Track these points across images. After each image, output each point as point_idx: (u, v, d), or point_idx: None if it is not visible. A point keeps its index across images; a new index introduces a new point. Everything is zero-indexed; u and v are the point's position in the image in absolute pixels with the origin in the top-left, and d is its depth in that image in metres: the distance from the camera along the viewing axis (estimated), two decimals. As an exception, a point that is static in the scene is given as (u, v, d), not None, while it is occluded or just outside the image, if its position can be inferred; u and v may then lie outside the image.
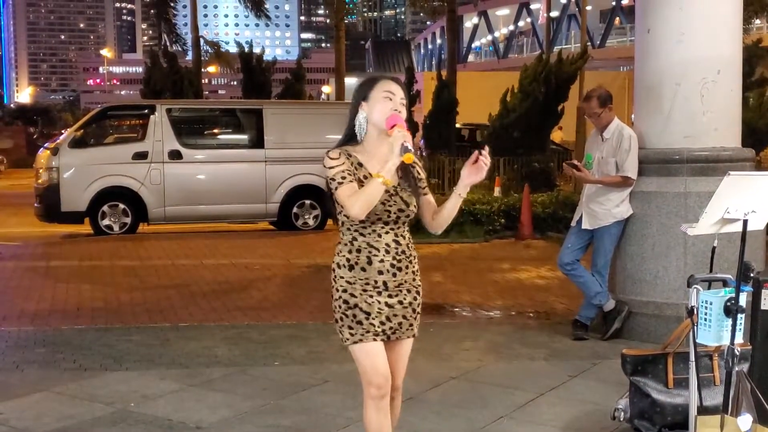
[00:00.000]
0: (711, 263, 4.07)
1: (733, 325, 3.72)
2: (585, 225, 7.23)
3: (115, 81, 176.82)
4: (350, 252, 3.79)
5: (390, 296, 3.79)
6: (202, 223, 16.02)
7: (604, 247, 7.24)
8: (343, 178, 3.68)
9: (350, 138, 3.84)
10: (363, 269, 3.76)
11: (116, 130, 17.38)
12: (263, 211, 15.87)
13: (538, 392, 5.86)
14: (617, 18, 59.52)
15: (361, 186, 3.68)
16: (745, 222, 3.73)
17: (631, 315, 7.23)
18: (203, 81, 36.75)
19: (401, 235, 3.83)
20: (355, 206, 3.62)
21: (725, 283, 3.92)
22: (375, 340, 3.77)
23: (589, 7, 39.17)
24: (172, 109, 15.94)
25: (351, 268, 3.78)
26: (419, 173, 3.92)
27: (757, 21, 44.75)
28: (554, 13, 56.49)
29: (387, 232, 3.79)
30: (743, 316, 3.76)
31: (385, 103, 3.74)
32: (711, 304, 3.77)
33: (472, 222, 14.13)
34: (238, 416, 5.40)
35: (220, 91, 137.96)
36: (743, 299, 3.74)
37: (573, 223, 7.42)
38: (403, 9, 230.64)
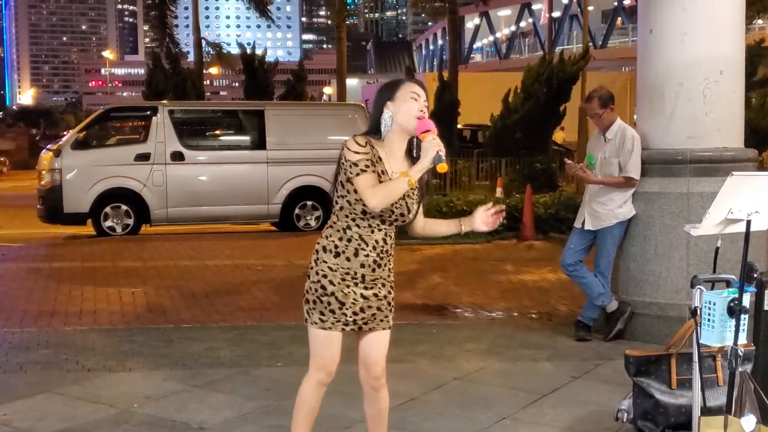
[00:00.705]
0: (714, 264, 4.07)
1: (737, 326, 3.71)
2: (588, 226, 7.23)
3: (117, 83, 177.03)
4: (340, 239, 3.88)
5: (366, 288, 3.90)
6: (205, 224, 16.04)
7: (607, 248, 7.23)
8: (367, 166, 3.76)
9: (372, 133, 3.90)
10: (348, 259, 3.87)
11: (119, 132, 17.42)
12: (265, 213, 15.88)
13: (541, 393, 5.86)
14: (619, 18, 59.50)
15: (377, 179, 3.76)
16: (749, 222, 3.73)
17: (633, 316, 7.22)
18: (205, 82, 36.81)
19: (389, 235, 3.94)
20: (376, 197, 3.71)
21: (728, 283, 3.92)
22: (343, 329, 3.90)
23: (590, 8, 39.17)
24: (174, 111, 15.96)
25: (337, 255, 3.88)
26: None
27: (760, 21, 44.78)
28: (556, 14, 56.57)
29: (380, 230, 3.89)
30: (746, 316, 3.75)
31: (411, 104, 3.84)
32: (714, 304, 3.76)
33: (474, 223, 14.10)
34: (241, 417, 5.40)
35: (221, 93, 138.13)
36: (746, 300, 3.73)
37: (576, 224, 7.41)
38: (404, 10, 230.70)
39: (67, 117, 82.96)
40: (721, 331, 3.77)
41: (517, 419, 5.38)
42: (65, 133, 20.68)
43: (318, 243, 3.95)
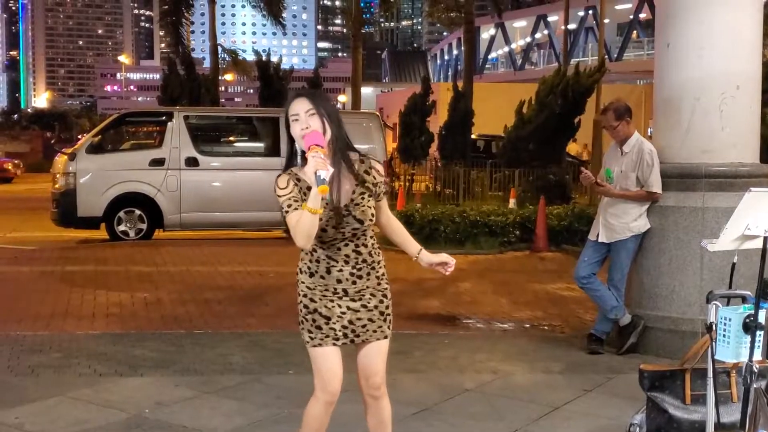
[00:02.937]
0: (730, 279, 4.05)
1: (752, 342, 3.70)
2: (602, 238, 7.21)
3: (132, 87, 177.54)
4: (311, 261, 3.88)
5: (353, 300, 3.86)
6: (217, 230, 16.07)
7: (621, 261, 7.21)
8: (289, 206, 3.72)
9: (292, 162, 3.81)
10: (322, 277, 3.85)
11: (133, 137, 17.48)
12: (278, 219, 15.84)
13: (553, 406, 5.84)
14: (634, 31, 59.40)
15: None
16: (766, 239, 3.71)
17: (646, 329, 7.19)
18: (220, 89, 36.92)
19: (363, 245, 3.86)
20: (297, 238, 3.65)
21: (744, 299, 3.90)
22: (335, 344, 3.87)
23: (606, 20, 39.11)
24: (189, 116, 16.01)
25: (311, 275, 3.88)
26: (376, 178, 3.86)
27: (776, 36, 44.60)
28: (571, 26, 56.49)
29: (346, 245, 3.83)
30: (762, 332, 3.74)
31: (294, 126, 3.72)
32: (730, 320, 3.75)
33: (487, 233, 14.10)
34: (253, 424, 5.40)
35: (236, 99, 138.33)
36: (762, 316, 3.71)
37: (591, 237, 7.39)
38: (420, 19, 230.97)
39: (82, 121, 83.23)
40: (736, 347, 3.75)
41: (530, 431, 5.37)
42: (80, 136, 20.78)
43: (298, 265, 3.93)
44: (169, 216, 15.24)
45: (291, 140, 3.80)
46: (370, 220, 3.83)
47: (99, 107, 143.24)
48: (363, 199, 3.80)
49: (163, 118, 15.91)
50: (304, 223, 3.58)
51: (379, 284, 3.92)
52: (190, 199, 15.26)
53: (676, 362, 4.86)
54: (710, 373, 3.98)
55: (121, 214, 15.09)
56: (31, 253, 13.63)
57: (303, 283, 3.90)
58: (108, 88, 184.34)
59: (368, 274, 3.88)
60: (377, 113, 18.48)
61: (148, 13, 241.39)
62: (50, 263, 12.31)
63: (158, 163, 15.22)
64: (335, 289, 3.84)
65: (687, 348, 4.82)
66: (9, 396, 5.87)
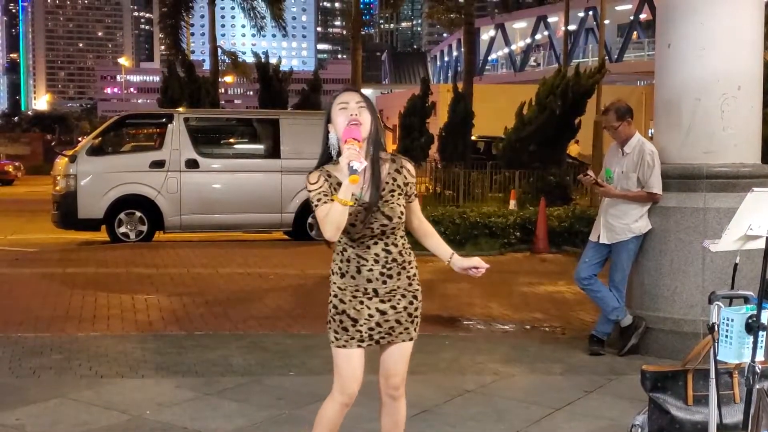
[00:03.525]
0: (733, 280, 4.04)
1: (755, 343, 3.69)
2: (603, 239, 7.20)
3: (132, 90, 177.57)
4: (341, 261, 3.90)
5: (382, 301, 3.87)
6: (218, 232, 16.07)
7: (622, 262, 7.21)
8: (319, 200, 3.75)
9: (327, 159, 3.86)
10: (353, 277, 3.87)
11: (134, 139, 17.51)
12: (278, 221, 15.89)
13: (554, 407, 5.83)
14: (635, 32, 59.43)
15: None
16: (768, 239, 3.70)
17: (648, 330, 7.19)
18: (220, 91, 36.93)
19: (393, 244, 3.87)
20: (325, 230, 3.67)
21: (746, 300, 3.89)
22: (360, 346, 3.88)
23: (606, 21, 39.11)
24: (189, 119, 16.03)
25: (342, 275, 3.90)
26: (407, 178, 3.89)
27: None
28: (572, 27, 56.51)
29: (376, 243, 3.84)
30: (764, 333, 3.72)
31: (342, 114, 3.76)
32: (732, 320, 3.74)
33: (488, 235, 14.10)
34: (254, 425, 5.40)
35: (236, 101, 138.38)
36: (765, 316, 3.70)
37: (592, 238, 7.39)
38: (419, 21, 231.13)
39: (82, 123, 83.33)
40: (738, 348, 3.74)
41: (530, 433, 5.36)
42: (80, 139, 20.81)
43: (330, 267, 3.97)
44: (169, 218, 15.24)
45: (326, 139, 3.84)
46: (399, 217, 3.83)
47: (99, 109, 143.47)
48: (392, 196, 3.82)
49: (164, 120, 15.92)
50: (333, 214, 3.61)
51: (410, 285, 3.93)
52: (191, 201, 15.26)
53: (678, 363, 4.86)
54: (713, 374, 3.97)
55: (122, 216, 15.08)
56: (32, 255, 13.63)
57: (335, 284, 3.93)
58: (108, 90, 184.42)
59: (399, 273, 3.88)
60: (377, 115, 18.46)
61: (148, 15, 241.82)
62: (51, 265, 12.30)
63: (158, 165, 15.22)
64: (365, 289, 3.84)
65: (688, 349, 4.82)
66: (10, 397, 5.87)
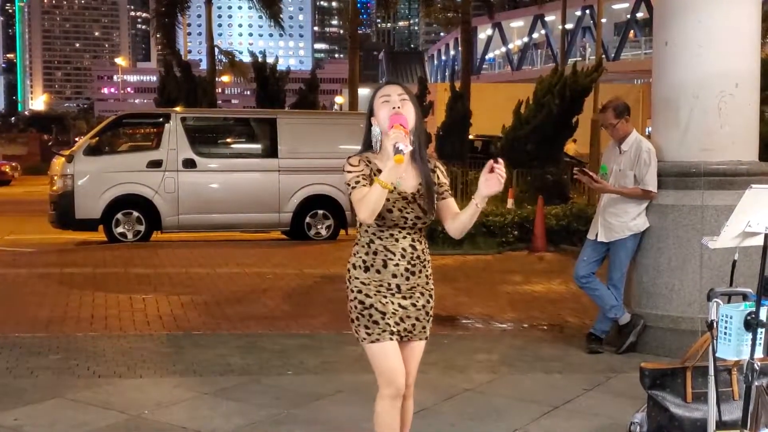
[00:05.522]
0: (731, 277, 4.04)
1: (753, 340, 3.69)
2: (601, 237, 7.21)
3: (129, 89, 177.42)
4: (367, 254, 3.87)
5: (404, 298, 3.88)
6: (215, 231, 16.05)
7: (620, 260, 7.21)
8: (357, 182, 3.77)
9: (368, 148, 3.93)
10: (378, 271, 3.85)
11: (131, 139, 17.48)
12: (276, 221, 15.88)
13: (553, 405, 5.83)
14: (632, 31, 59.43)
15: None
16: (766, 236, 3.70)
17: (646, 328, 7.19)
18: (217, 90, 36.92)
19: (418, 240, 3.91)
20: (361, 210, 3.69)
21: (745, 297, 3.89)
22: (391, 339, 3.85)
23: (603, 20, 39.13)
24: (186, 118, 16.02)
25: (366, 269, 3.87)
26: (440, 178, 3.96)
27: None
28: (569, 26, 56.49)
29: (404, 237, 3.87)
30: (763, 330, 3.72)
31: (385, 107, 3.83)
32: (731, 318, 3.74)
33: (486, 234, 14.10)
34: (252, 425, 5.39)
35: (233, 101, 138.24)
36: (763, 313, 3.70)
37: (590, 236, 7.39)
38: (416, 20, 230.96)
39: (79, 123, 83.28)
40: (737, 345, 3.74)
41: (529, 431, 5.35)
42: (77, 139, 20.79)
43: (348, 262, 3.94)
44: (166, 218, 15.22)
45: (368, 131, 3.91)
46: (432, 214, 3.88)
47: (96, 109, 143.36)
48: (428, 193, 3.87)
49: (161, 119, 15.90)
50: (372, 196, 3.64)
51: (427, 283, 3.97)
52: (188, 201, 15.24)
53: (677, 361, 4.86)
54: (711, 371, 3.97)
55: (119, 215, 15.05)
56: (30, 256, 13.61)
57: (357, 279, 3.88)
58: (105, 90, 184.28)
59: (420, 271, 3.91)
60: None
61: (144, 15, 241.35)
62: (48, 265, 12.29)
63: (156, 164, 15.19)
64: (389, 284, 3.84)
65: (686, 347, 4.82)
66: (8, 398, 5.85)
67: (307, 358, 7.05)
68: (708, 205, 6.96)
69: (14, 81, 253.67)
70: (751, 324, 3.68)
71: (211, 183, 15.65)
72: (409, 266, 3.86)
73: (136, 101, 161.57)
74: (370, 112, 3.90)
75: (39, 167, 39.68)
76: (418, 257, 3.90)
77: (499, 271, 12.13)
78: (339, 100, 69.29)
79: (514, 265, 12.74)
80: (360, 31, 40.39)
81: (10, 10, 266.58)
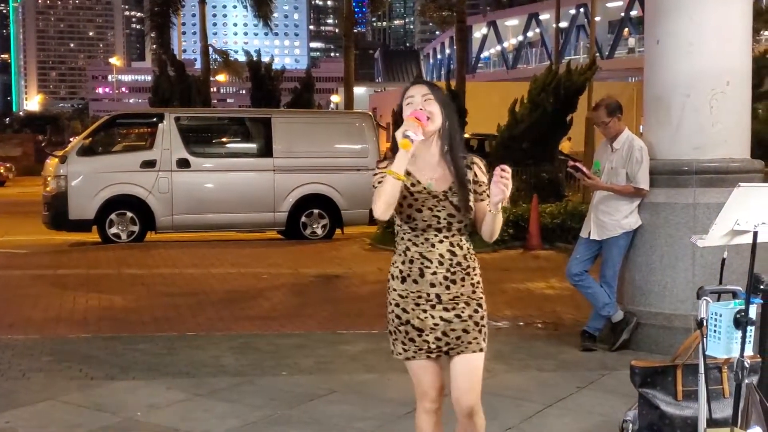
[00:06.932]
0: (720, 275, 4.05)
1: (743, 337, 3.69)
2: (594, 236, 7.21)
3: (123, 89, 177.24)
4: (403, 263, 3.69)
5: (446, 310, 3.67)
6: (210, 231, 16.03)
7: (613, 258, 7.22)
8: (379, 182, 3.58)
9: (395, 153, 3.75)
10: (415, 281, 3.66)
11: (125, 139, 17.44)
12: (271, 220, 15.86)
13: (547, 403, 5.83)
14: (626, 29, 59.50)
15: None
16: (755, 234, 3.70)
17: (639, 326, 7.20)
18: (212, 90, 36.88)
19: (457, 245, 3.71)
20: (375, 205, 3.54)
21: (735, 294, 3.89)
22: (429, 357, 3.70)
23: (597, 18, 39.15)
24: (180, 118, 15.99)
25: (403, 280, 3.69)
26: (477, 176, 3.80)
27: (767, 33, 44.67)
28: (563, 24, 56.50)
29: (441, 241, 3.68)
30: (753, 328, 3.73)
31: (408, 109, 3.67)
32: (721, 316, 3.74)
33: (480, 232, 14.08)
34: (246, 426, 5.39)
35: (228, 100, 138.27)
36: (753, 311, 3.70)
37: (582, 234, 7.40)
38: (412, 19, 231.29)
39: (74, 123, 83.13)
40: (727, 343, 3.74)
41: (522, 430, 5.36)
42: (71, 139, 20.74)
43: (389, 271, 3.78)
44: (161, 218, 15.20)
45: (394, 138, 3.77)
46: (467, 211, 3.70)
47: (91, 110, 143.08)
48: (461, 190, 3.70)
49: (154, 119, 15.88)
50: (384, 187, 3.49)
51: (474, 292, 3.76)
52: (182, 201, 15.23)
53: (668, 358, 4.86)
54: (701, 369, 3.97)
55: (113, 216, 15.03)
56: (23, 257, 13.60)
57: (395, 290, 3.71)
58: (99, 90, 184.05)
59: (462, 279, 3.70)
60: (370, 113, 18.46)
61: (139, 14, 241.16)
62: (42, 266, 12.27)
63: (149, 164, 15.18)
64: (428, 294, 3.64)
65: (679, 344, 4.82)
66: (0, 400, 5.84)
67: (301, 358, 7.05)
68: (700, 203, 6.97)
69: (8, 81, 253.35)
70: (740, 322, 3.68)
71: (206, 183, 15.63)
72: (448, 274, 3.66)
73: (131, 101, 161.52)
74: (400, 116, 3.73)
75: (33, 168, 39.64)
76: (459, 263, 3.69)
77: (494, 269, 12.11)
78: (335, 98, 69.29)
79: (509, 263, 12.75)
80: (355, 30, 40.39)
81: (4, 11, 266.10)
